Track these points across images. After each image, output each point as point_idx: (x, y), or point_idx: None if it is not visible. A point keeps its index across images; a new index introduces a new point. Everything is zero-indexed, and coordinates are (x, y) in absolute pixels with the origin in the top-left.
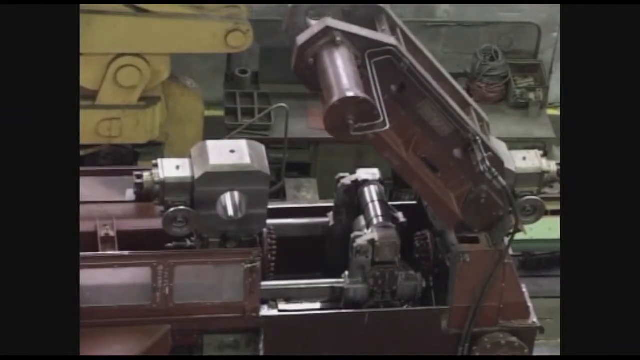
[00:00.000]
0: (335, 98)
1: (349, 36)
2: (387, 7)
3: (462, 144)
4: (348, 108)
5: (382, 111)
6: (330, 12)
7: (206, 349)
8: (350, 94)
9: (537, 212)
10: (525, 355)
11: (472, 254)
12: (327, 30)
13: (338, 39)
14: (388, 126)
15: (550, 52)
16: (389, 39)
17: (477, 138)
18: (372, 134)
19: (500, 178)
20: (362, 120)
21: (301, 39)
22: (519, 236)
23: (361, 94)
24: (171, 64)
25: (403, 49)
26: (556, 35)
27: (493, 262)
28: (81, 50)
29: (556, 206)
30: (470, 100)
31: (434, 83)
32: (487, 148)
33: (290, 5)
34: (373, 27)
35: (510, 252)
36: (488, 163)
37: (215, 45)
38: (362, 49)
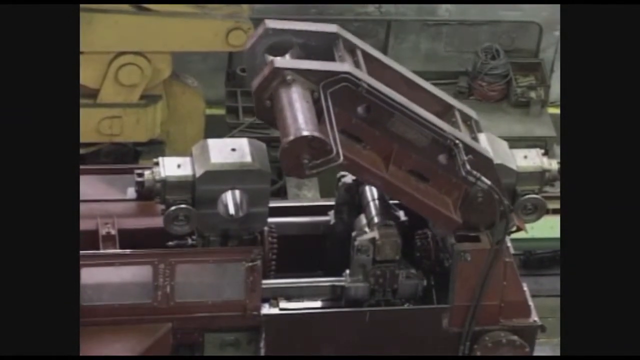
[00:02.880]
0: (285, 140)
1: (300, 72)
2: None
3: (445, 150)
4: (300, 148)
5: (336, 144)
6: (289, 49)
7: (207, 347)
8: (300, 134)
9: (538, 210)
10: (525, 355)
11: (472, 252)
12: (277, 71)
13: (289, 77)
14: (342, 159)
15: (551, 50)
16: (341, 66)
17: (457, 142)
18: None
19: (483, 179)
20: (316, 157)
21: (254, 83)
22: (520, 235)
23: (310, 132)
24: (172, 63)
25: (358, 72)
26: (557, 34)
27: (493, 260)
28: (82, 49)
29: (557, 205)
30: (452, 101)
31: (400, 98)
32: (470, 149)
33: (246, 48)
34: (332, 54)
35: (512, 250)
36: (468, 166)
37: (216, 44)
38: (317, 82)
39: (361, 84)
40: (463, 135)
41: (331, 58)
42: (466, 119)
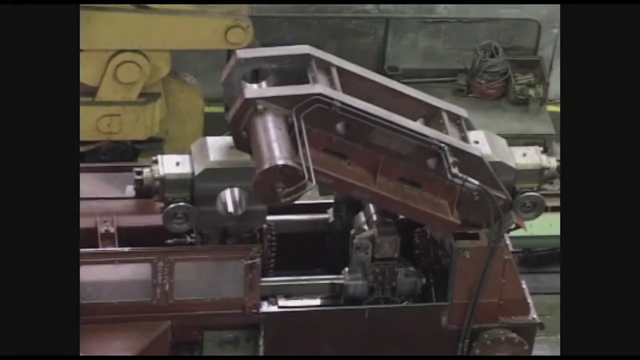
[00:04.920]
0: (258, 172)
1: (271, 100)
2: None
3: (431, 154)
4: (272, 178)
5: (308, 169)
6: (264, 76)
7: (206, 345)
8: (270, 164)
9: (537, 208)
10: (525, 355)
11: (471, 250)
12: (248, 101)
13: (260, 107)
14: (314, 183)
15: (550, 48)
16: (312, 88)
17: (442, 145)
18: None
19: (471, 180)
20: (290, 184)
21: (229, 116)
22: (519, 232)
23: (281, 161)
24: (171, 60)
25: (330, 91)
26: (556, 31)
27: (489, 258)
28: (81, 47)
29: (556, 202)
30: (439, 103)
31: (377, 110)
32: (457, 151)
33: (222, 80)
34: (306, 76)
35: (511, 248)
36: (454, 169)
37: (215, 42)
38: (289, 107)
39: (334, 103)
40: (449, 137)
41: (307, 79)
42: (455, 118)
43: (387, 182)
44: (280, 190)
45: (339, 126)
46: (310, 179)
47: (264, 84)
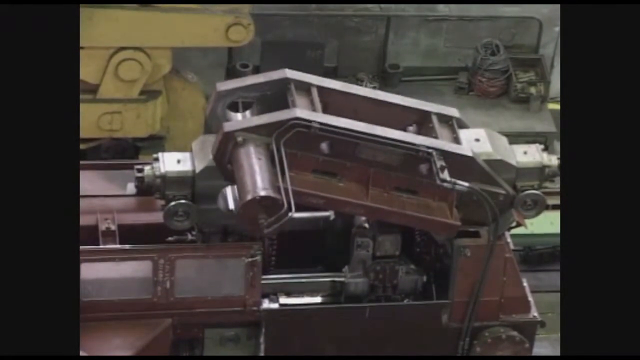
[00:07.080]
0: (239, 205)
1: (250, 130)
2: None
3: (422, 161)
4: (253, 210)
5: (288, 198)
6: (250, 104)
7: (207, 342)
8: (248, 197)
9: (538, 206)
10: (525, 355)
11: (472, 248)
12: (227, 135)
13: (240, 139)
14: (293, 212)
15: (551, 46)
16: (288, 113)
17: (430, 151)
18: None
19: (460, 182)
20: (271, 214)
21: (212, 151)
22: (520, 230)
23: (261, 192)
24: (172, 58)
25: (307, 113)
26: (557, 29)
27: (490, 256)
28: (82, 44)
29: (557, 200)
30: (428, 107)
31: (358, 124)
32: (447, 154)
33: (207, 115)
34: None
35: (512, 246)
36: (442, 174)
37: (216, 39)
38: (269, 134)
39: (312, 125)
40: (437, 141)
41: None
42: (447, 120)
43: (381, 193)
44: (263, 221)
45: (324, 146)
46: (290, 208)
47: (247, 113)
